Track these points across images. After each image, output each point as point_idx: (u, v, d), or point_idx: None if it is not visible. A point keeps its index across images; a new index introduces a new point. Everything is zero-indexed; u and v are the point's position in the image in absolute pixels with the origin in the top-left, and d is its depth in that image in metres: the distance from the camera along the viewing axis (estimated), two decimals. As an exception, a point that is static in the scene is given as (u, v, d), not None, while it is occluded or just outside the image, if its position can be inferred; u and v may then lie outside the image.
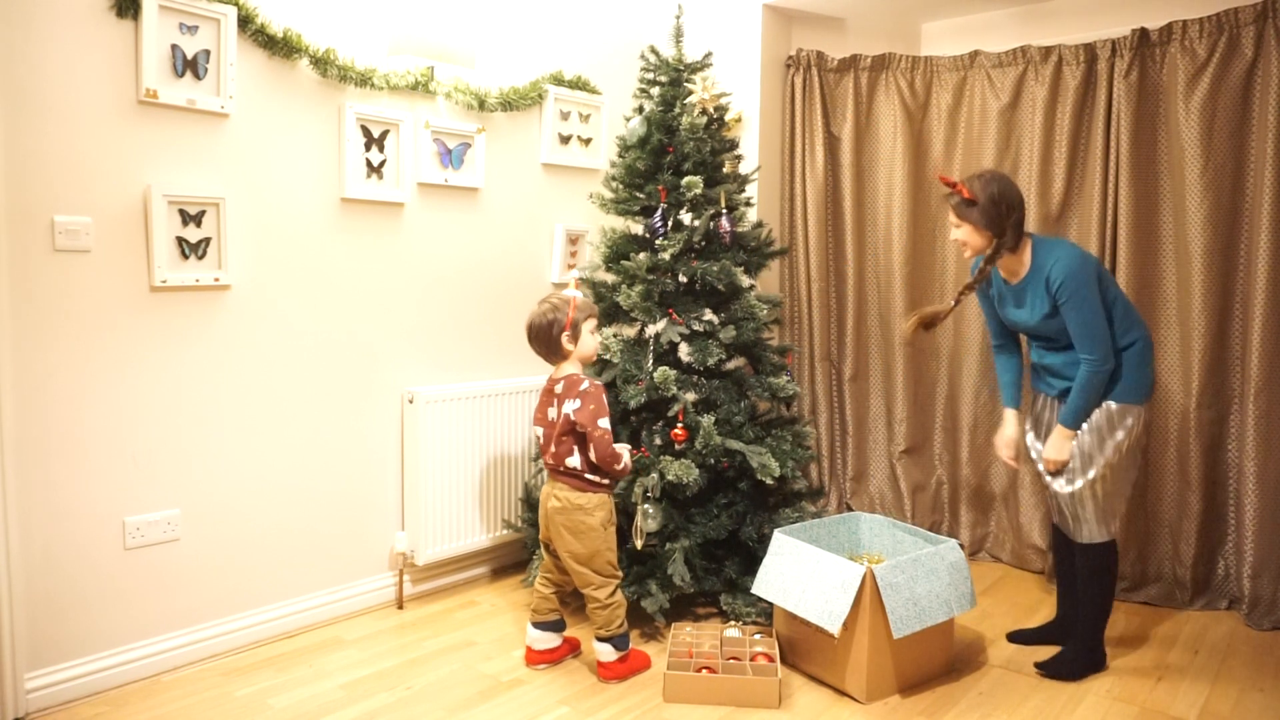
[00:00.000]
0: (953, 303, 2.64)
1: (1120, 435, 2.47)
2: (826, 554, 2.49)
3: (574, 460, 2.48)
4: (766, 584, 2.62)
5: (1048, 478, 2.59)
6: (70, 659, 2.36)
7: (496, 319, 3.36)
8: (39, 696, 2.29)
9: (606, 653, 2.53)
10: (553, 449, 2.51)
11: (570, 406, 2.45)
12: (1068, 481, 2.53)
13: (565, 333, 2.49)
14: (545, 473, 2.63)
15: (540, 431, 2.57)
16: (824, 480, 3.90)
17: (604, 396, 2.48)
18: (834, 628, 2.36)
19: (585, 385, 2.47)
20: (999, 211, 2.43)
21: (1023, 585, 3.34)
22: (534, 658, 2.62)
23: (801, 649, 2.60)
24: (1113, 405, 2.47)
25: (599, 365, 2.97)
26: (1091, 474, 2.49)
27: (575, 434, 2.46)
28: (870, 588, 2.37)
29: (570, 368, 2.54)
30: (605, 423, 2.44)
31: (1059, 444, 2.52)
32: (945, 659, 2.62)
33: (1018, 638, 2.83)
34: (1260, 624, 2.93)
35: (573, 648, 2.70)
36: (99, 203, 2.33)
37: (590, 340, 2.55)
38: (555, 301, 2.52)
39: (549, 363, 2.58)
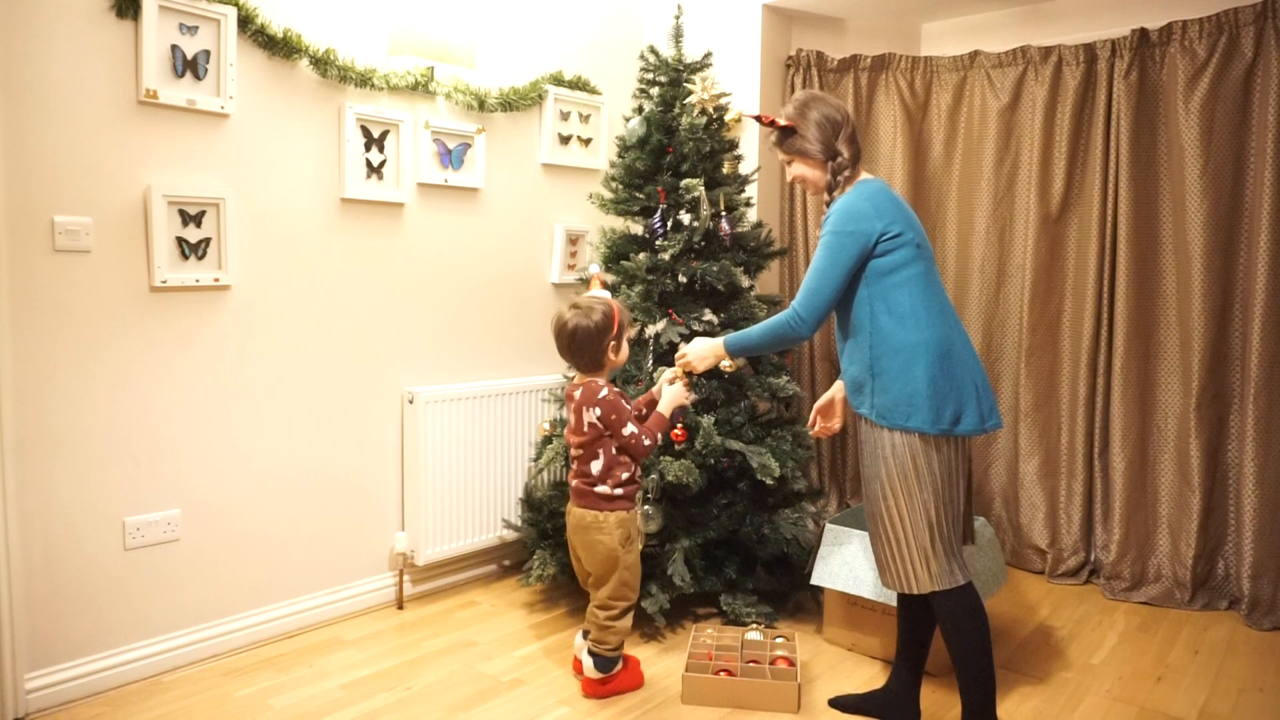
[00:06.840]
0: None
1: (888, 463, 2.02)
2: None
3: (596, 465, 2.39)
4: (831, 575, 2.65)
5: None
6: (70, 659, 2.36)
7: (496, 319, 3.36)
8: (39, 697, 2.30)
9: (589, 667, 2.43)
10: (575, 456, 2.43)
11: (592, 415, 2.36)
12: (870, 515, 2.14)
13: (613, 343, 2.38)
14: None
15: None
16: (824, 480, 3.90)
17: (623, 402, 2.37)
18: None
19: (604, 393, 2.35)
20: (825, 133, 2.09)
21: (1023, 585, 3.33)
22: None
23: (865, 632, 2.69)
24: (872, 424, 2.04)
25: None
26: (879, 505, 2.06)
27: (599, 441, 2.38)
28: None
29: (594, 376, 2.42)
30: (631, 428, 2.36)
31: (704, 351, 2.29)
32: None
33: (840, 704, 2.37)
34: (1260, 624, 2.93)
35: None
36: (99, 203, 2.33)
37: (625, 350, 2.45)
38: (600, 307, 2.37)
39: (577, 369, 2.46)
